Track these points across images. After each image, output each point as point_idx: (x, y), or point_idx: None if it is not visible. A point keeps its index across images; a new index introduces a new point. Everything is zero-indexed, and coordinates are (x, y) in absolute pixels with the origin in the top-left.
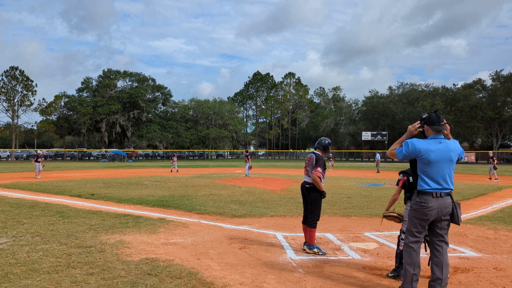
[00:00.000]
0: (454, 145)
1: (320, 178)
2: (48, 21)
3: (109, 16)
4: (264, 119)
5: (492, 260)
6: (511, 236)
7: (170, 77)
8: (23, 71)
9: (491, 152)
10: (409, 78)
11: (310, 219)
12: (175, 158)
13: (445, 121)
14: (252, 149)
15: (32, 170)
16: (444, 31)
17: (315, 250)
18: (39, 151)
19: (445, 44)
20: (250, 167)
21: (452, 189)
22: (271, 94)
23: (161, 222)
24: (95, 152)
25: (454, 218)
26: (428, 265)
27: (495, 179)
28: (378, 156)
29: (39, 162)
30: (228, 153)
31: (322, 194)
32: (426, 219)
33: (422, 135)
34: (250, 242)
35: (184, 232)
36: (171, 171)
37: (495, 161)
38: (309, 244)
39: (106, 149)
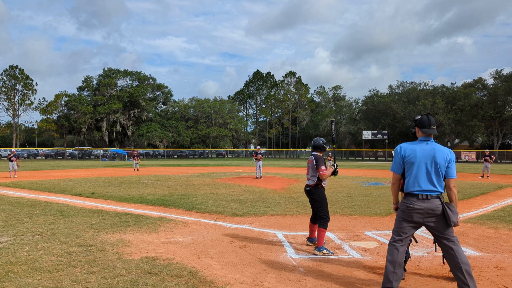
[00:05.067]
0: (441, 148)
1: (326, 174)
2: (55, 18)
3: (117, 13)
4: (265, 118)
5: (493, 259)
6: None
7: (171, 76)
8: (22, 70)
9: (487, 150)
10: (418, 76)
11: (322, 220)
12: (133, 158)
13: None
14: (252, 147)
15: (32, 169)
16: (456, 29)
17: (325, 251)
18: (13, 150)
19: (457, 42)
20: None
21: (441, 192)
22: (271, 93)
23: (161, 221)
24: (95, 151)
25: (446, 220)
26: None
27: (487, 176)
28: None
29: (12, 161)
30: (228, 151)
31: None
32: (412, 221)
33: (414, 137)
34: (251, 241)
35: (185, 231)
36: (134, 170)
37: (493, 158)
38: (318, 246)
39: (107, 148)
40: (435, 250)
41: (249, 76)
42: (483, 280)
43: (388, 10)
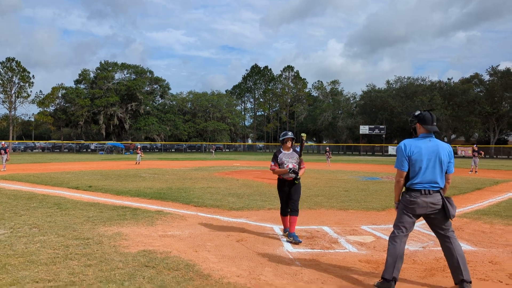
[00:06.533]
0: (443, 145)
1: (272, 169)
2: (61, 11)
3: (127, 5)
4: (262, 112)
5: (487, 253)
6: (507, 230)
7: (170, 69)
8: (19, 62)
9: (476, 145)
10: (429, 71)
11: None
12: (138, 150)
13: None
14: (250, 141)
15: (29, 162)
16: (477, 21)
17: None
18: (3, 142)
19: (473, 35)
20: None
21: (441, 187)
22: (269, 87)
23: (158, 215)
24: (93, 144)
25: (445, 213)
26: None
27: (475, 171)
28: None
29: (2, 154)
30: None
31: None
32: (414, 215)
33: (414, 133)
34: (248, 235)
35: (182, 224)
36: (136, 163)
37: (482, 154)
38: (292, 232)
39: (104, 142)
40: None
41: (246, 70)
42: (478, 275)
43: (409, 1)
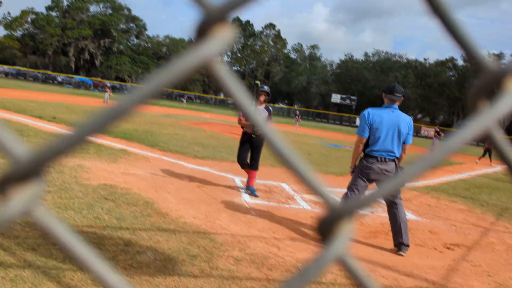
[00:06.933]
0: (404, 117)
1: (239, 120)
2: None
3: None
4: (238, 68)
5: (429, 224)
6: (451, 206)
7: (148, 8)
8: None
9: (438, 127)
10: (409, 47)
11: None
12: (107, 89)
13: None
14: (222, 95)
15: None
16: (462, 5)
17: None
18: None
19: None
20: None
21: (397, 157)
22: (248, 43)
23: (122, 153)
24: (60, 76)
25: None
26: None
27: None
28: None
29: None
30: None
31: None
32: (368, 179)
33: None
34: (208, 182)
35: (145, 165)
36: (104, 102)
37: (442, 135)
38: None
39: (72, 75)
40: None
41: None
42: (416, 241)
43: None
